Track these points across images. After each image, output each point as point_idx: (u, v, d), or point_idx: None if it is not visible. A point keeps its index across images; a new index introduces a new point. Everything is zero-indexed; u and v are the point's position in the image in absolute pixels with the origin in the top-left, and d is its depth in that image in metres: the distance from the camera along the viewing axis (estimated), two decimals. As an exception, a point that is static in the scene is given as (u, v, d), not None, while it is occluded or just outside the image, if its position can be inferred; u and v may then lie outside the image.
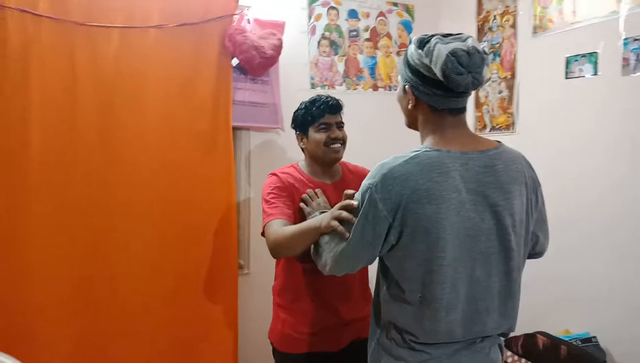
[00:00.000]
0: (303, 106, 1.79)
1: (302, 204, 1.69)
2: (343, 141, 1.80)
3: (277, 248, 1.55)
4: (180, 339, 2.22)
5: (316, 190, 1.73)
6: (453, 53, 1.14)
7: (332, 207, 1.65)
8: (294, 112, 1.82)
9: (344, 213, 1.27)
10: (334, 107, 1.77)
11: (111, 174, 2.10)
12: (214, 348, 2.28)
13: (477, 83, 1.18)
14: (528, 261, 2.25)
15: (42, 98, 1.98)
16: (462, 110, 1.26)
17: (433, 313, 1.19)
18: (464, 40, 1.20)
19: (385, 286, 1.30)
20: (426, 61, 1.18)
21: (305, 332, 1.74)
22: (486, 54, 1.22)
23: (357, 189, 1.67)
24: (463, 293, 1.20)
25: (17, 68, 1.94)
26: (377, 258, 1.29)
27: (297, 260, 1.76)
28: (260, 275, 2.43)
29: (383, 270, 1.31)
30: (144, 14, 2.16)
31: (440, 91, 1.21)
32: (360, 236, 1.22)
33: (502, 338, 1.37)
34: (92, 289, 2.07)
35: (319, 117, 1.75)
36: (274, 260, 2.43)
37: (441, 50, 1.15)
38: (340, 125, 1.79)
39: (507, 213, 1.20)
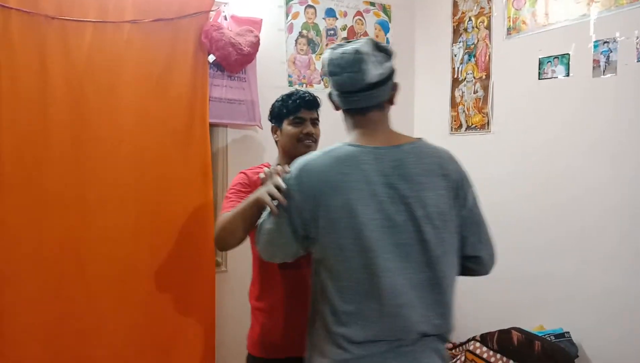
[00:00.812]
0: (280, 98, 1.78)
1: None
2: (315, 139, 1.77)
3: (220, 235, 1.48)
4: (156, 338, 2.18)
5: (278, 166, 1.52)
6: (330, 56, 1.28)
7: None
8: (272, 104, 1.80)
9: (276, 192, 1.29)
10: (310, 102, 1.75)
11: (84, 171, 2.05)
12: (191, 346, 2.25)
13: (357, 81, 1.25)
14: (505, 257, 2.29)
15: (12, 93, 1.93)
16: (371, 108, 1.30)
17: (349, 304, 1.22)
18: (353, 43, 1.28)
19: (314, 278, 1.32)
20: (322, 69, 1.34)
21: (284, 335, 1.68)
22: (380, 51, 1.27)
23: None
24: (379, 283, 1.20)
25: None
26: None
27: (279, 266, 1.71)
28: (238, 272, 2.42)
29: (314, 261, 1.33)
30: (118, 8, 2.11)
31: (336, 92, 1.31)
32: (278, 227, 1.26)
33: (443, 345, 1.31)
34: (64, 287, 2.02)
35: (294, 111, 1.74)
36: (252, 258, 2.43)
37: (324, 56, 1.31)
38: (315, 121, 1.77)
39: (418, 205, 1.22)
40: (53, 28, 2.00)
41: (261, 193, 1.32)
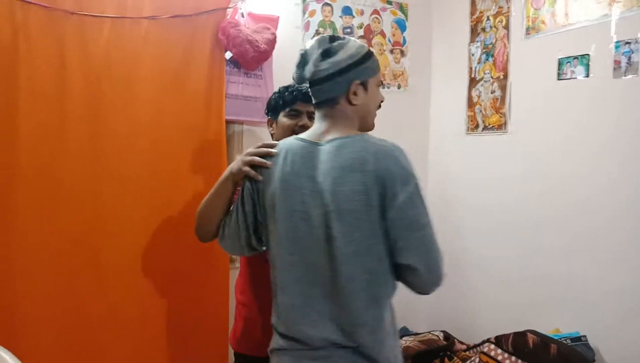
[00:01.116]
0: (277, 90, 1.74)
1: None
2: None
3: (198, 222, 1.46)
4: (169, 333, 2.19)
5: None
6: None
7: None
8: (269, 97, 1.78)
9: (257, 158, 1.34)
10: (307, 95, 1.63)
11: (99, 165, 2.06)
12: (205, 341, 2.25)
13: (299, 77, 1.34)
14: (520, 259, 2.26)
15: (31, 88, 1.94)
16: (321, 104, 1.34)
17: (275, 295, 1.31)
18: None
19: None
20: None
21: (266, 332, 1.51)
22: (326, 49, 1.30)
23: None
24: (293, 277, 1.26)
25: (6, 57, 1.89)
26: None
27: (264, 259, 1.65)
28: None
29: None
30: (136, 4, 2.12)
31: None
32: (236, 214, 1.35)
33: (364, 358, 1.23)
34: (77, 279, 2.03)
35: (290, 103, 1.69)
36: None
37: None
38: (312, 115, 1.65)
39: (331, 200, 1.22)
40: (72, 23, 2.01)
41: (236, 162, 1.37)
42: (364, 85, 1.33)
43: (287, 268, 1.27)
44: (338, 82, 1.31)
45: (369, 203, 1.19)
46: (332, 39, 1.34)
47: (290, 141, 1.35)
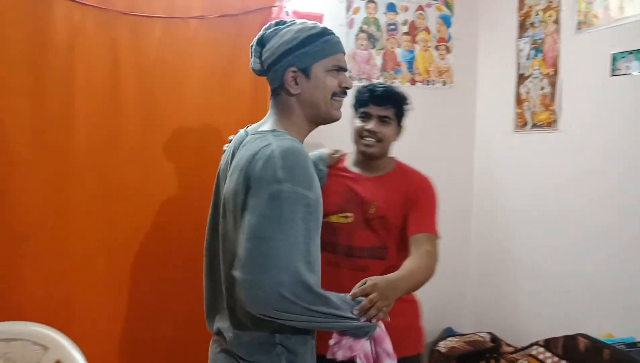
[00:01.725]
0: (359, 88, 1.74)
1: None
2: (380, 138, 1.68)
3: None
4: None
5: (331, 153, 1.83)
6: None
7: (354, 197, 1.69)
8: None
9: None
10: (378, 98, 1.67)
11: (150, 162, 2.13)
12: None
13: (253, 70, 1.30)
14: (573, 261, 2.18)
15: (86, 87, 2.02)
16: (271, 94, 1.30)
17: None
18: None
19: None
20: None
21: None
22: (260, 40, 1.26)
23: (395, 191, 1.69)
24: (205, 272, 1.35)
25: (63, 57, 1.97)
26: None
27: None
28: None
29: None
30: (185, 4, 2.17)
31: None
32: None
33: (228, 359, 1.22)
34: (129, 272, 2.10)
35: (362, 105, 1.70)
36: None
37: None
38: (384, 119, 1.68)
39: (223, 196, 1.22)
40: (124, 24, 2.08)
41: None
42: (305, 72, 1.22)
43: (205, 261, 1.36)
44: (275, 72, 1.23)
45: (237, 205, 1.14)
46: (277, 24, 1.27)
47: (239, 131, 1.34)
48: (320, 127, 1.35)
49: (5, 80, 1.89)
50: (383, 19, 2.68)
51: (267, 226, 1.07)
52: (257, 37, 1.27)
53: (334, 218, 1.69)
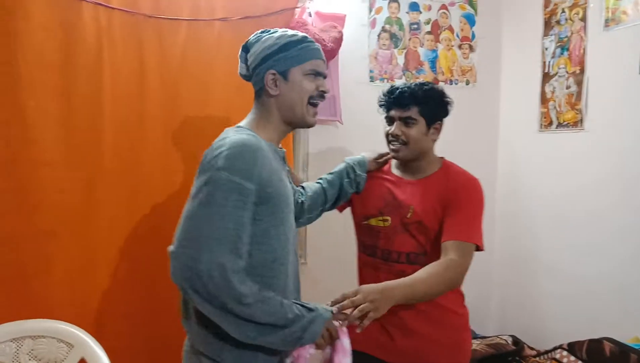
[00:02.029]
0: (382, 92, 1.70)
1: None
2: (404, 141, 1.62)
3: None
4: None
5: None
6: None
7: (392, 201, 1.67)
8: None
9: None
10: (397, 100, 1.62)
11: (176, 162, 2.17)
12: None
13: (242, 76, 1.40)
14: (599, 264, 2.14)
15: (113, 88, 2.06)
16: (255, 94, 1.38)
17: None
18: None
19: None
20: None
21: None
22: (244, 46, 1.38)
23: (433, 194, 1.63)
24: None
25: (91, 59, 2.02)
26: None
27: (359, 249, 1.75)
28: (318, 265, 2.46)
29: None
30: (209, 6, 2.20)
31: None
32: None
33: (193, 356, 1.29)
34: (153, 268, 2.12)
35: (386, 110, 1.67)
36: (332, 252, 2.45)
37: None
38: (407, 120, 1.61)
39: None
40: (150, 26, 2.12)
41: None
42: (284, 75, 1.32)
43: None
44: (257, 75, 1.33)
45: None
46: (262, 32, 1.37)
47: None
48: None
49: (36, 81, 1.94)
50: (406, 18, 2.67)
51: (197, 208, 1.16)
52: (243, 44, 1.38)
53: (374, 221, 1.69)
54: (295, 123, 1.38)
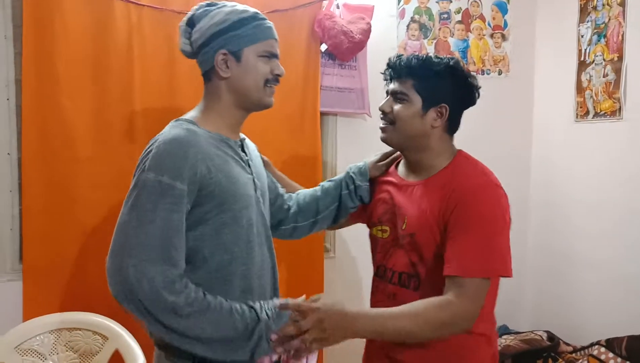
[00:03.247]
0: None
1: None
2: (391, 119, 1.34)
3: None
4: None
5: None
6: None
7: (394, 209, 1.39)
8: None
9: None
10: (392, 70, 1.35)
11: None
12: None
13: (182, 52, 1.29)
14: (631, 258, 2.01)
15: (144, 84, 2.09)
16: (203, 79, 1.29)
17: None
18: None
19: None
20: None
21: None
22: (189, 21, 1.25)
23: (429, 201, 1.30)
24: None
25: (122, 55, 2.05)
26: None
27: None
28: (346, 259, 2.45)
29: None
30: (238, 2, 2.20)
31: None
32: None
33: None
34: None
35: (387, 83, 1.40)
36: (360, 245, 2.41)
37: None
38: (398, 95, 1.32)
39: None
40: (179, 22, 2.13)
41: None
42: (236, 55, 1.20)
43: None
44: (205, 53, 1.22)
45: None
46: (207, 5, 1.24)
47: None
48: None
49: (71, 81, 1.99)
50: (435, 7, 2.62)
51: (125, 213, 1.09)
52: (185, 17, 1.25)
53: (374, 231, 1.46)
54: (251, 106, 1.27)
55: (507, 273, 1.24)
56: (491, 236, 1.22)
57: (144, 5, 2.08)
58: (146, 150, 1.14)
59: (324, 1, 2.34)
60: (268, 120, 2.25)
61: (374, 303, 1.43)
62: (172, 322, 1.05)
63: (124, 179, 2.04)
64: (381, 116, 1.39)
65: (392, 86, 1.36)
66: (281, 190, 1.53)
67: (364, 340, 1.44)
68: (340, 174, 1.57)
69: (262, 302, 1.17)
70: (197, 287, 1.09)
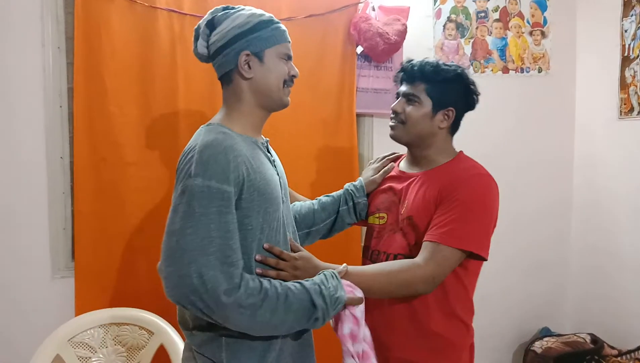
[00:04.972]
0: None
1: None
2: (402, 119, 1.44)
3: None
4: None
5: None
6: None
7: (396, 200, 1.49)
8: None
9: None
10: (406, 73, 1.46)
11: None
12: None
13: (196, 55, 1.30)
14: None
15: (187, 90, 2.16)
16: (222, 82, 1.29)
17: None
18: None
19: None
20: None
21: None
22: (210, 24, 1.25)
23: (428, 187, 1.41)
24: None
25: (166, 62, 2.14)
26: None
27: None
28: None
29: None
30: (274, 7, 2.25)
31: None
32: None
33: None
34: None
35: (399, 85, 1.50)
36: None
37: None
38: (410, 97, 1.43)
39: None
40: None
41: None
42: (259, 56, 1.23)
43: None
44: (227, 55, 1.23)
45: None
46: (225, 9, 1.26)
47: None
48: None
49: (118, 89, 2.09)
50: (472, 6, 2.60)
51: (177, 221, 1.09)
52: (205, 19, 1.26)
53: (370, 219, 1.57)
54: (272, 107, 1.30)
55: (481, 252, 1.33)
56: (474, 217, 1.33)
57: (186, 14, 2.15)
58: (185, 156, 1.15)
59: (359, 4, 2.36)
60: (305, 123, 2.30)
61: None
62: (241, 320, 1.08)
63: (168, 182, 2.16)
64: (392, 115, 1.49)
65: (404, 88, 1.46)
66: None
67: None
68: (338, 191, 1.64)
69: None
70: (253, 277, 1.13)
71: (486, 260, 1.36)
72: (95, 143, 2.08)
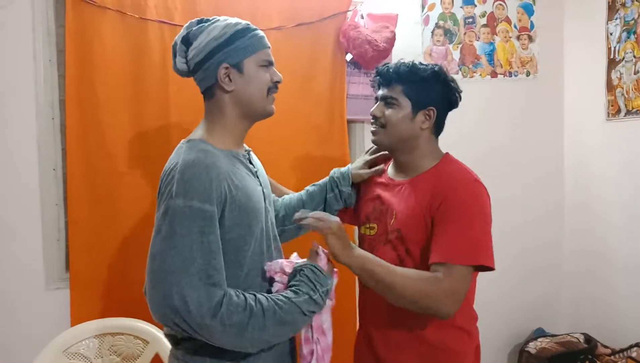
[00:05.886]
0: None
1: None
2: (382, 123, 1.42)
3: None
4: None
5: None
6: None
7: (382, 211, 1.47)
8: None
9: None
10: (382, 77, 1.44)
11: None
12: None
13: (177, 71, 1.31)
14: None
15: (178, 100, 2.17)
16: (204, 97, 1.29)
17: None
18: None
19: None
20: None
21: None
22: (185, 40, 1.25)
23: (416, 197, 1.38)
24: None
25: (157, 73, 2.15)
26: None
27: None
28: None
29: None
30: (265, 16, 2.28)
31: None
32: None
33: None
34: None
35: (376, 90, 1.49)
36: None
37: None
38: (389, 101, 1.41)
39: None
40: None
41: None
42: (238, 67, 1.21)
43: None
44: (207, 70, 1.22)
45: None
46: (199, 22, 1.24)
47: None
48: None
49: (110, 100, 2.10)
50: (460, 13, 2.64)
51: (160, 242, 1.09)
52: (180, 35, 1.25)
53: (362, 229, 1.54)
54: (256, 116, 1.29)
55: (489, 264, 1.29)
56: (473, 228, 1.29)
57: (176, 25, 2.17)
58: (167, 175, 1.14)
59: (348, 12, 2.39)
60: (297, 130, 2.32)
61: (362, 294, 1.54)
62: (228, 338, 1.09)
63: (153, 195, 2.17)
64: (372, 120, 1.47)
65: (382, 92, 1.44)
66: (274, 196, 1.58)
67: (353, 342, 1.59)
68: (325, 178, 1.63)
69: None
70: (237, 292, 1.12)
71: (494, 269, 1.31)
72: (87, 154, 2.09)
